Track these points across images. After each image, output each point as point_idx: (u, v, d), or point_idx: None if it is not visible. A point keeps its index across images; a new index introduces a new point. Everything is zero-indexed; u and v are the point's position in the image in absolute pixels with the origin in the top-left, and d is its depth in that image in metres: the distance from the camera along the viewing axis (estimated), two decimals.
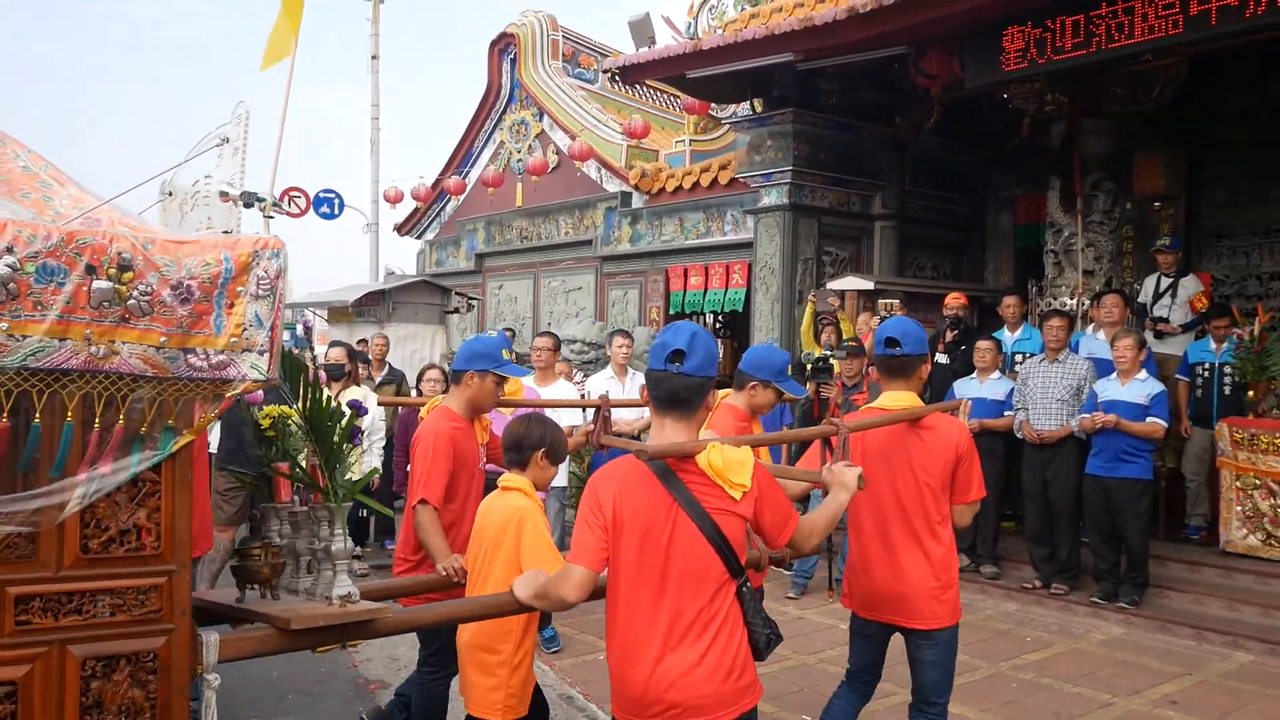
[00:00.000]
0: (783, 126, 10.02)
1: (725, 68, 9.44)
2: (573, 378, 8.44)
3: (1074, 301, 8.87)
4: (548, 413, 4.42)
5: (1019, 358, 8.15)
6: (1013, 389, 7.58)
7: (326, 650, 2.95)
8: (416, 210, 17.34)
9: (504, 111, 15.64)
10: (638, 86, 15.23)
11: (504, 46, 15.59)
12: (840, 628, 6.73)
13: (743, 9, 9.92)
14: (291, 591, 2.96)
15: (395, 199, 17.18)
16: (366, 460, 6.22)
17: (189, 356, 2.42)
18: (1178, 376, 8.02)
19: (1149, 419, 6.82)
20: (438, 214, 17.15)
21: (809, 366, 7.44)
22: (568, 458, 5.37)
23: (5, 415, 2.24)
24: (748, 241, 10.98)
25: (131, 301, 2.33)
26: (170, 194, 3.61)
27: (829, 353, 8.19)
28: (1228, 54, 8.25)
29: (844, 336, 8.71)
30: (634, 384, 7.88)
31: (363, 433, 3.70)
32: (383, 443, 8.05)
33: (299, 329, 14.55)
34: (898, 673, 5.77)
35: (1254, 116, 9.33)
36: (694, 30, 10.17)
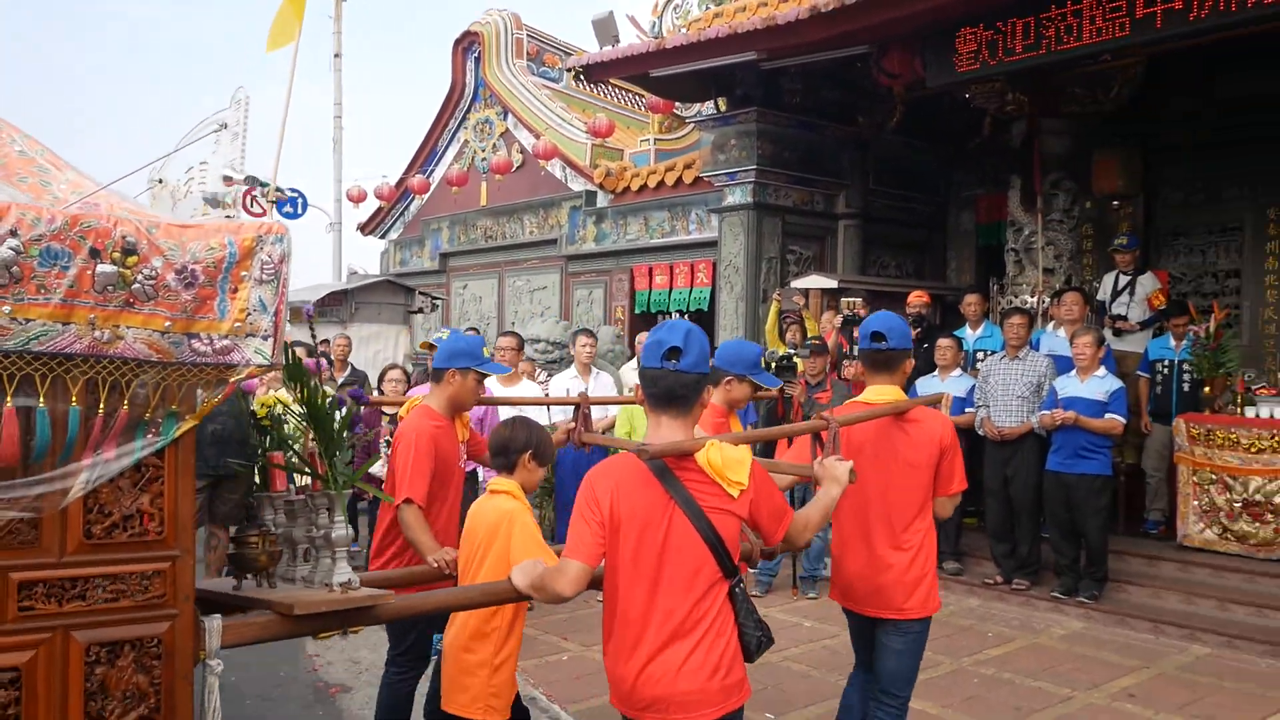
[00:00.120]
0: (746, 126, 10.04)
1: (689, 66, 9.45)
2: (536, 377, 8.40)
3: (1035, 299, 8.96)
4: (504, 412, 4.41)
5: (981, 355, 8.21)
6: (974, 386, 7.64)
7: (328, 636, 2.95)
8: (380, 209, 17.23)
9: (468, 110, 15.57)
10: (602, 85, 15.21)
11: (468, 45, 15.52)
12: (804, 625, 6.75)
13: (707, 8, 9.93)
14: (288, 580, 2.96)
15: (359, 198, 17.06)
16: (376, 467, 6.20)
17: (193, 341, 2.41)
18: (1138, 373, 8.12)
19: (1108, 415, 6.90)
20: (402, 213, 17.05)
21: (773, 365, 7.45)
22: None
23: (9, 400, 2.22)
24: (712, 240, 11.00)
25: (136, 286, 2.32)
26: (160, 181, 3.56)
27: (792, 351, 8.22)
28: (1184, 56, 8.38)
29: (808, 335, 8.74)
30: (597, 383, 7.87)
31: (362, 421, 3.67)
32: None
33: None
34: None
35: (1208, 118, 9.46)
36: (658, 29, 10.17)
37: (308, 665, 5.89)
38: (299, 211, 18.21)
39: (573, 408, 6.38)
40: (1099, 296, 8.83)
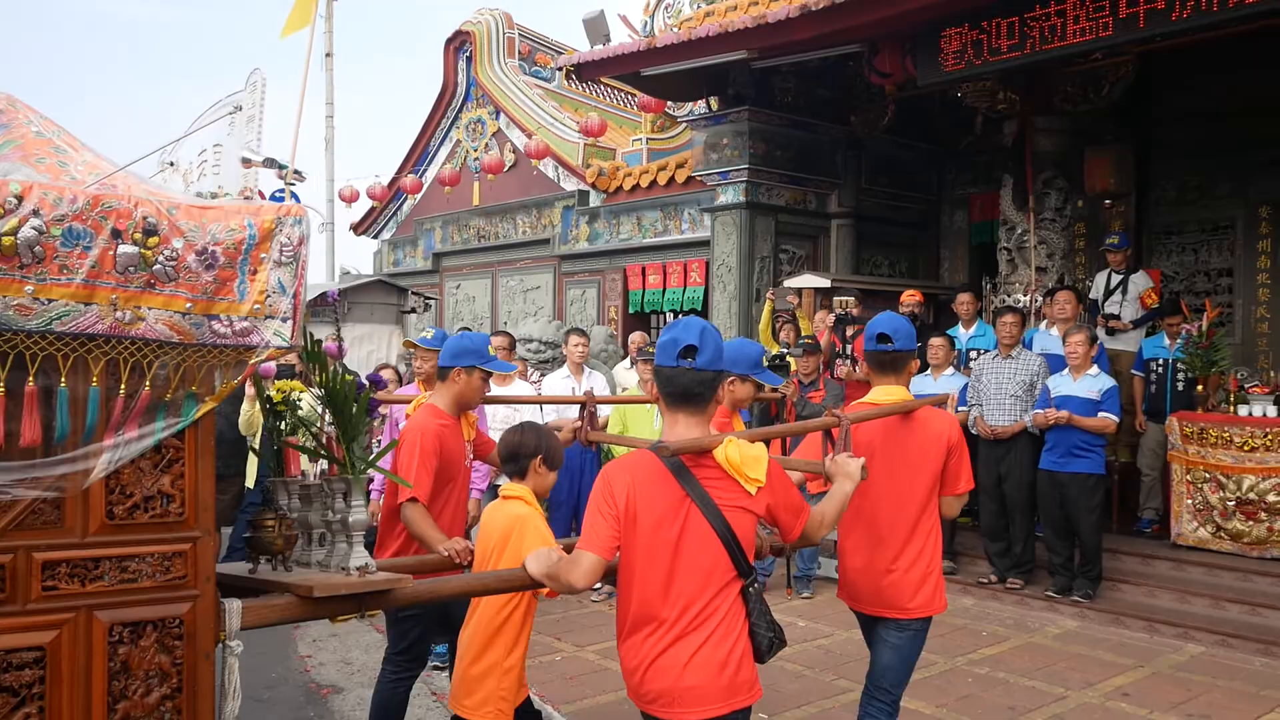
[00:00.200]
0: (739, 125, 10.02)
1: (680, 65, 9.43)
2: (529, 377, 8.38)
3: (1027, 298, 8.95)
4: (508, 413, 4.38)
5: (973, 354, 8.20)
6: (966, 385, 7.63)
7: (345, 619, 2.96)
8: (373, 209, 17.18)
9: (460, 110, 15.53)
10: (595, 85, 15.18)
11: (460, 44, 15.48)
12: (799, 625, 6.73)
13: (698, 7, 9.91)
14: (303, 564, 2.96)
15: (351, 198, 17.00)
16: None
17: (213, 323, 2.42)
18: (1132, 372, 8.13)
19: (1101, 414, 6.89)
20: (394, 213, 17.01)
21: (766, 364, 7.43)
22: None
23: (31, 379, 2.23)
24: (705, 240, 10.98)
25: (157, 267, 2.32)
26: (172, 164, 3.53)
27: (786, 350, 8.20)
28: (1176, 55, 8.39)
29: (802, 334, 8.72)
30: (589, 383, 7.85)
31: (379, 407, 3.67)
32: None
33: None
34: (852, 669, 5.79)
35: (1200, 116, 9.47)
36: (650, 28, 10.14)
37: (299, 666, 5.87)
38: None
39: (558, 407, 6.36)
40: (1091, 295, 8.83)
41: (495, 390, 6.93)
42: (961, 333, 8.54)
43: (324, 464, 3.05)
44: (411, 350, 6.62)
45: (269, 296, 2.48)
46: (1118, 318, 8.52)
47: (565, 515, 7.39)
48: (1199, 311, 7.94)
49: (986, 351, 7.90)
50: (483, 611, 3.51)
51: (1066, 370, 7.14)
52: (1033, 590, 7.33)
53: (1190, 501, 7.24)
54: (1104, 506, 7.25)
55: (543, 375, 8.53)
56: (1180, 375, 7.78)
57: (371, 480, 4.92)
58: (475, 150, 15.09)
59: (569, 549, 3.00)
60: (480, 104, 15.18)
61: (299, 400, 3.09)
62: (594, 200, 13.14)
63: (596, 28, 10.79)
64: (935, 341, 7.86)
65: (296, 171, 3.62)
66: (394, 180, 16.39)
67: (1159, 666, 6.02)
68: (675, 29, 9.72)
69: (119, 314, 2.28)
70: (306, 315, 2.65)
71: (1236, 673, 5.90)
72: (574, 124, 13.39)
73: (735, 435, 2.81)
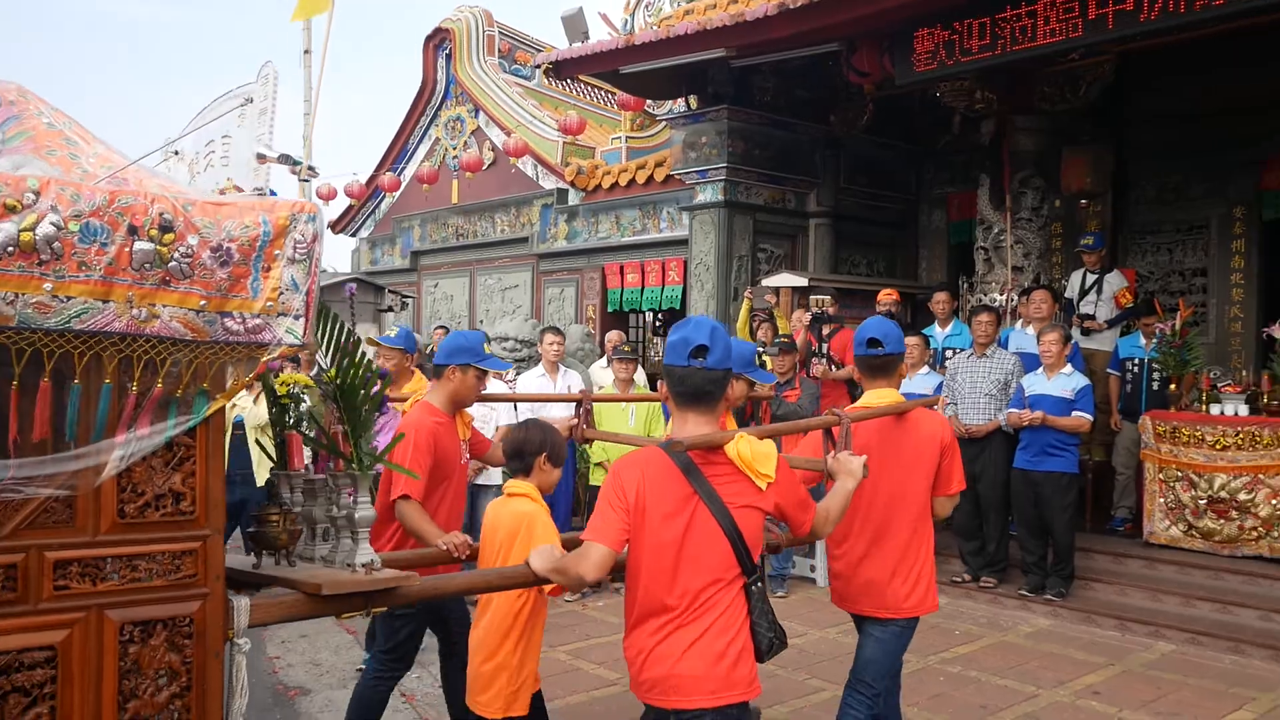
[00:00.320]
0: (718, 123, 10.00)
1: (658, 63, 9.40)
2: (504, 376, 8.32)
3: (1004, 297, 8.96)
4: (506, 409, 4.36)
5: (949, 353, 8.21)
6: (941, 383, 7.63)
7: (350, 616, 2.95)
8: (351, 207, 17.09)
9: (439, 107, 15.47)
10: (574, 83, 15.14)
11: (439, 42, 15.41)
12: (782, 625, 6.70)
13: (678, 5, 9.91)
14: (307, 559, 2.95)
15: (329, 196, 16.87)
16: None
17: (226, 320, 2.40)
18: (1108, 371, 8.16)
19: (1075, 413, 6.91)
20: (373, 211, 16.92)
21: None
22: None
23: (47, 377, 2.21)
24: (684, 239, 10.96)
25: (172, 264, 2.30)
26: (177, 153, 3.48)
27: (762, 349, 8.18)
28: (1153, 56, 8.42)
29: (779, 333, 8.71)
30: (565, 381, 7.82)
31: (389, 400, 3.64)
32: None
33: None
34: (824, 668, 5.80)
35: (1174, 116, 9.50)
36: (631, 26, 10.13)
37: (267, 668, 5.81)
38: None
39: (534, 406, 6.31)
40: (1067, 295, 8.85)
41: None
42: (938, 331, 8.55)
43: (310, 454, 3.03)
44: (375, 349, 6.56)
45: (282, 294, 2.46)
46: (1093, 317, 8.54)
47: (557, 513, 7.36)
48: (1173, 311, 7.97)
49: (962, 350, 7.91)
50: (494, 610, 3.54)
51: (1041, 369, 7.15)
52: (1006, 589, 7.34)
53: (1162, 500, 7.26)
54: (1077, 505, 7.26)
55: (518, 374, 8.48)
56: (1156, 374, 7.80)
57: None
58: (454, 148, 15.03)
59: (567, 544, 3.05)
60: (459, 102, 15.11)
61: (303, 393, 3.08)
62: (573, 199, 13.10)
63: (575, 25, 10.76)
64: (909, 340, 7.83)
65: (310, 167, 3.58)
66: (372, 178, 16.31)
67: (1130, 665, 6.03)
68: (655, 27, 9.70)
69: (135, 311, 2.26)
70: (322, 306, 2.64)
71: (1206, 671, 5.92)
72: (553, 122, 13.35)
73: (745, 431, 2.85)
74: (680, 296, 11.40)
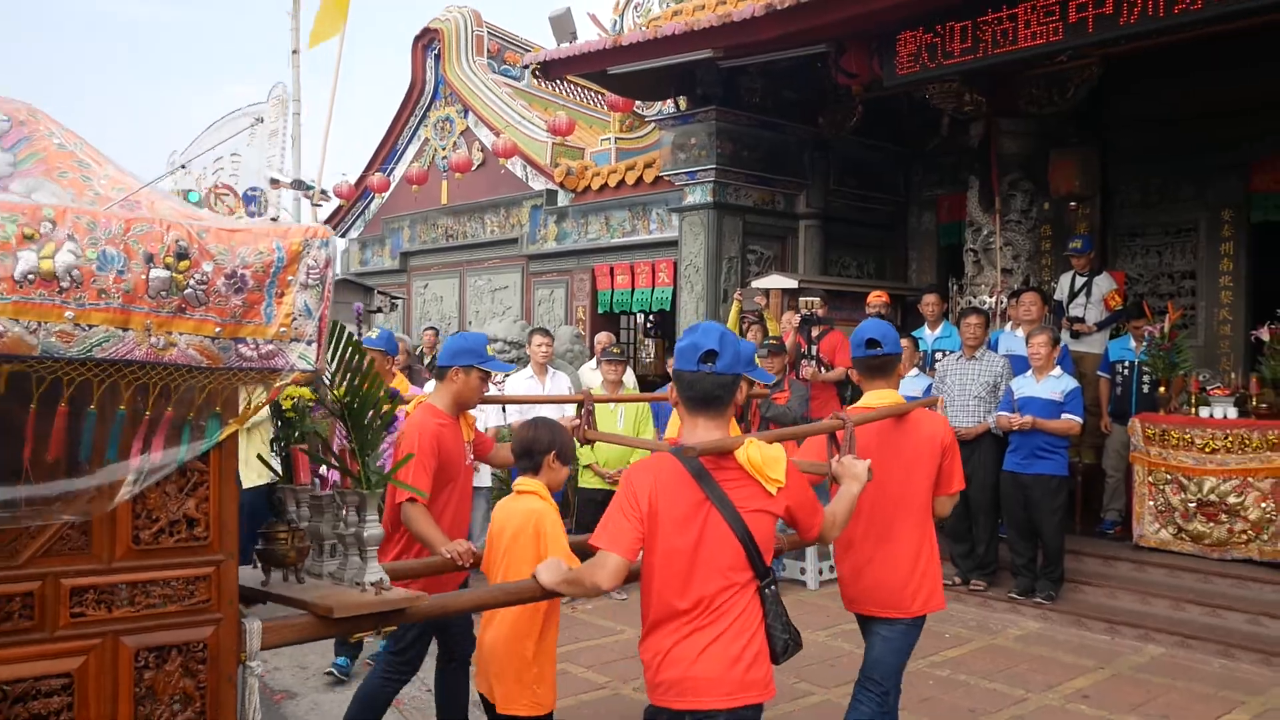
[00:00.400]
0: (707, 125, 9.99)
1: (646, 64, 9.38)
2: (493, 377, 8.28)
3: (993, 299, 8.97)
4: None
5: (939, 355, 8.20)
6: (930, 386, 7.62)
7: (360, 638, 2.92)
8: (340, 208, 17.05)
9: (428, 108, 15.44)
10: (564, 83, 15.12)
11: (428, 42, 15.38)
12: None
13: (667, 5, 9.87)
14: (315, 575, 2.94)
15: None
16: None
17: (240, 346, 2.39)
18: (1098, 373, 8.16)
19: (1064, 416, 6.90)
20: (362, 212, 16.88)
21: None
22: None
23: (65, 403, 2.21)
24: (673, 240, 10.95)
25: (188, 291, 2.29)
26: (183, 168, 3.45)
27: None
28: (1141, 58, 8.42)
29: (769, 335, 8.69)
30: (554, 383, 7.79)
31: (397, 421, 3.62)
32: None
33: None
34: (814, 672, 5.78)
35: (1165, 119, 9.51)
36: (620, 27, 10.09)
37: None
38: (263, 210, 17.97)
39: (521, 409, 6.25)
40: (1056, 297, 8.85)
41: None
42: (927, 334, 8.55)
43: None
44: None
45: (295, 319, 2.45)
46: (1082, 320, 8.55)
47: None
48: (1162, 314, 7.98)
49: (951, 353, 7.90)
50: (506, 612, 3.55)
51: (1030, 371, 7.14)
52: (996, 592, 7.35)
53: (1152, 503, 7.27)
54: (1067, 508, 7.26)
55: (506, 375, 8.44)
56: (1146, 377, 7.81)
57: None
58: (443, 149, 14.99)
59: (574, 548, 3.09)
60: (448, 102, 15.08)
61: (308, 406, 3.07)
62: (562, 200, 13.08)
63: (563, 25, 10.72)
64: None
65: (323, 192, 3.56)
66: (361, 179, 16.27)
67: (1119, 668, 6.04)
68: (644, 28, 9.67)
69: (153, 339, 2.26)
70: (333, 323, 2.63)
71: (1195, 674, 5.93)
72: (542, 123, 13.33)
73: (753, 436, 2.87)
74: (670, 298, 11.39)
